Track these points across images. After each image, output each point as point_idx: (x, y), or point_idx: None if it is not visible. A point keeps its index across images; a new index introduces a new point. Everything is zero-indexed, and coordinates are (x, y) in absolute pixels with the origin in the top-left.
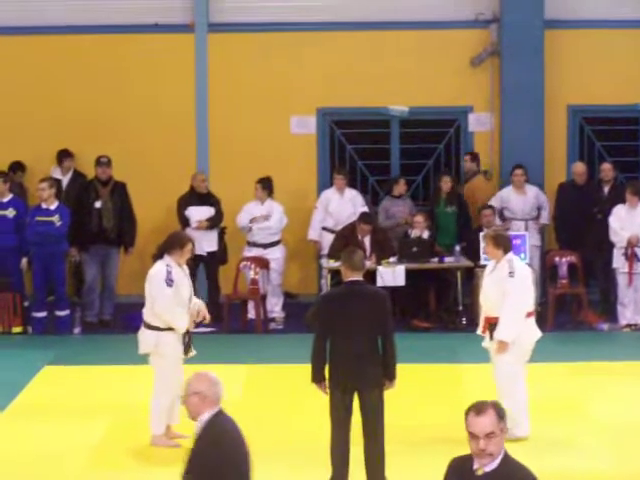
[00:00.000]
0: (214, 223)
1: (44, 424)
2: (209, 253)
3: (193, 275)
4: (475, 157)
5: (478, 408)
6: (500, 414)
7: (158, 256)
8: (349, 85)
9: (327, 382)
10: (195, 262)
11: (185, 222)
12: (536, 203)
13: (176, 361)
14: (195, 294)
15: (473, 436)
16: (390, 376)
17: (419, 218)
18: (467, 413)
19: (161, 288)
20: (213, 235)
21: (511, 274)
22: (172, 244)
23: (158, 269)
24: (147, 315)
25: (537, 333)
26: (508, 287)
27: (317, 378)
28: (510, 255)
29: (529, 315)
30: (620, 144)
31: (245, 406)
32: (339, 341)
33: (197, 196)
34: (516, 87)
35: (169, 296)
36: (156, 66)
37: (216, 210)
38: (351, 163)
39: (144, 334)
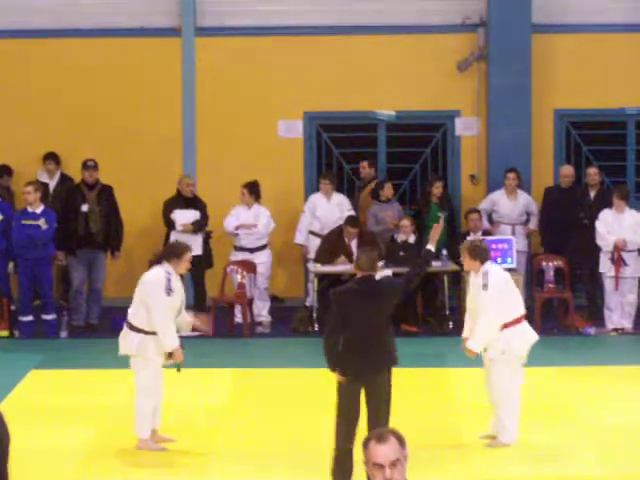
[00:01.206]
0: (199, 227)
1: (31, 428)
2: (194, 257)
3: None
4: (373, 163)
5: (379, 436)
6: (401, 440)
7: (155, 262)
8: (336, 89)
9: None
10: None
11: (170, 225)
12: (525, 209)
13: (158, 365)
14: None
15: (377, 466)
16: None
17: (405, 222)
18: (366, 443)
19: (160, 296)
20: (198, 239)
21: (484, 287)
22: (171, 253)
23: (157, 276)
24: (132, 317)
25: (531, 337)
26: (480, 301)
27: (331, 367)
28: (486, 266)
29: (518, 321)
30: (607, 148)
31: (232, 410)
32: (350, 333)
33: (183, 200)
34: (503, 91)
35: (166, 306)
36: (143, 70)
37: (201, 214)
38: (338, 167)
39: (127, 335)
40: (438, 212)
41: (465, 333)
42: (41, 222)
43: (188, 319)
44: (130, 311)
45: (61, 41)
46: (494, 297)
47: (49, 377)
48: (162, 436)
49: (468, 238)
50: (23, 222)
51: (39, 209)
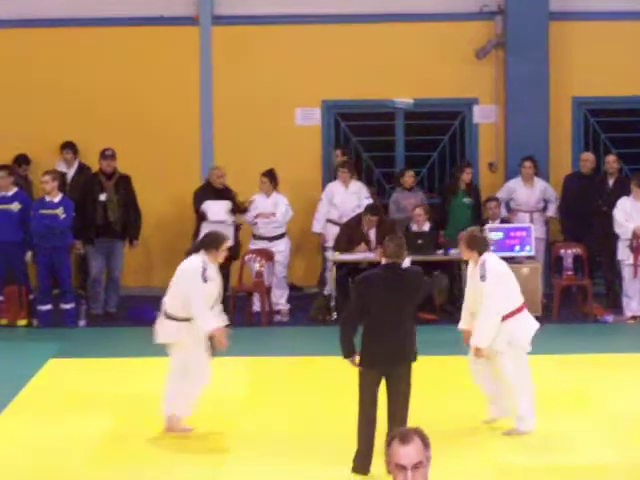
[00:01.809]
0: (239, 211)
1: (49, 417)
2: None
3: None
4: (346, 152)
5: (403, 436)
6: (425, 441)
7: (193, 251)
8: (354, 77)
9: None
10: None
11: (202, 216)
12: (542, 196)
13: (198, 351)
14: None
15: (399, 468)
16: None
17: (419, 211)
18: (390, 442)
19: (196, 282)
20: (230, 230)
21: (482, 278)
22: (209, 243)
23: (194, 263)
24: (169, 305)
25: (533, 326)
26: (479, 292)
27: (348, 353)
28: (484, 256)
29: (519, 310)
30: (626, 136)
31: (250, 399)
32: (374, 322)
33: (213, 190)
34: (521, 79)
35: (203, 292)
36: (161, 58)
37: (234, 204)
38: (356, 155)
39: (164, 324)
40: (464, 198)
41: (462, 325)
42: (59, 211)
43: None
44: (166, 300)
45: (79, 30)
46: (493, 288)
47: (67, 366)
48: (182, 425)
49: (467, 230)
50: (41, 211)
51: (57, 198)
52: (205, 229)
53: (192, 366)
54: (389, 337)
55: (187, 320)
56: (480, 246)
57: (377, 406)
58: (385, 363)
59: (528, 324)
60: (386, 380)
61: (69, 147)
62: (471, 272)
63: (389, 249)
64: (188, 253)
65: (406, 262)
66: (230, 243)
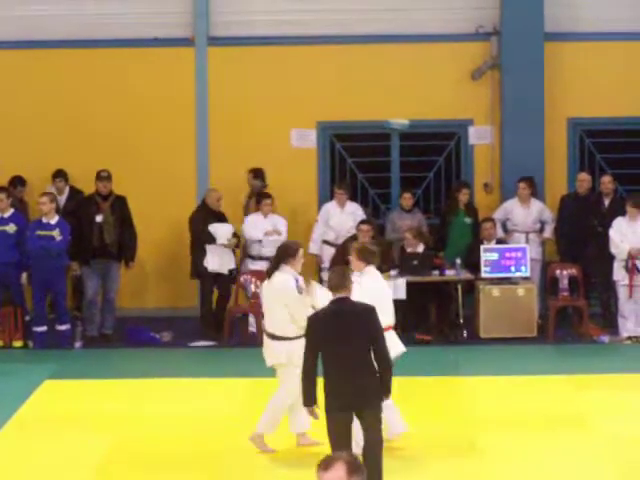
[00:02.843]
0: (239, 241)
1: (45, 438)
2: (230, 271)
3: (211, 293)
4: (258, 174)
5: (325, 463)
6: (351, 467)
7: (274, 268)
8: (349, 98)
9: (323, 404)
10: (214, 280)
11: (208, 238)
12: (539, 217)
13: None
14: None
15: None
16: (386, 389)
17: (407, 235)
18: (317, 467)
19: (296, 296)
20: (231, 253)
21: (358, 283)
22: (285, 255)
23: (285, 279)
24: (271, 327)
25: (397, 348)
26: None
27: (308, 401)
28: (368, 268)
29: (385, 329)
30: (621, 156)
31: (245, 420)
32: (334, 361)
33: (212, 213)
34: (516, 100)
35: (303, 303)
36: (156, 80)
37: (233, 227)
38: (351, 176)
39: (271, 345)
40: (465, 218)
41: None
42: (55, 233)
43: None
44: (266, 323)
45: (75, 52)
46: (364, 296)
47: (63, 387)
48: (309, 438)
49: (359, 242)
50: (37, 233)
51: (54, 220)
52: (211, 251)
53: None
54: (349, 373)
55: (296, 338)
56: (368, 258)
57: (350, 447)
58: (349, 403)
59: (391, 345)
60: (357, 416)
61: (61, 175)
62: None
63: (332, 282)
64: (269, 273)
65: (401, 283)
66: (232, 266)
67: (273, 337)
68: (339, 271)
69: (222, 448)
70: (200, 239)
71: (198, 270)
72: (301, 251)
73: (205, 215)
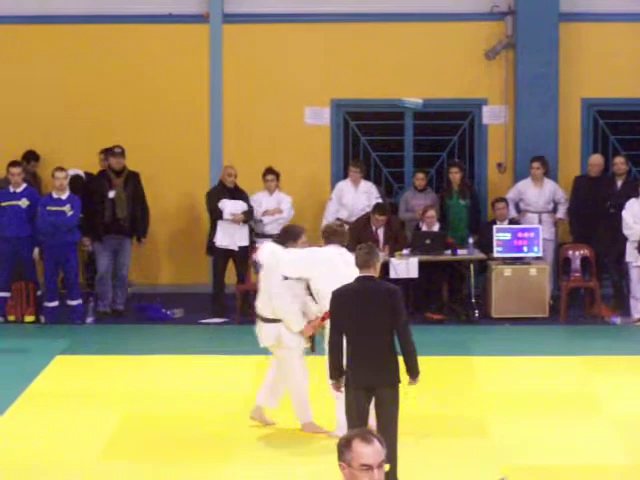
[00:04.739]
0: (249, 217)
1: (56, 413)
2: (240, 248)
3: (224, 270)
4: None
5: (364, 436)
6: (382, 442)
7: None
8: (363, 77)
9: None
10: (226, 257)
11: (217, 214)
12: (552, 197)
13: (301, 351)
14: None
15: (364, 467)
16: (411, 372)
17: (431, 213)
18: (348, 443)
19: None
20: (245, 230)
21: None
22: (287, 237)
23: (272, 250)
24: (263, 309)
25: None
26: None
27: (332, 375)
28: (326, 247)
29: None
30: (634, 137)
31: (255, 398)
32: (353, 338)
33: (227, 190)
34: (531, 80)
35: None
36: (170, 56)
37: (248, 204)
38: (365, 154)
39: (263, 328)
40: (459, 199)
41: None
42: (66, 208)
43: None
44: (258, 305)
45: (89, 27)
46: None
47: (75, 363)
48: (264, 417)
49: (327, 223)
50: (48, 208)
51: (65, 195)
52: (220, 227)
53: (299, 364)
54: (367, 352)
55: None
56: (329, 237)
57: (366, 426)
58: (366, 379)
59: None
60: (374, 396)
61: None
62: None
63: (359, 259)
64: None
65: (413, 262)
66: (245, 243)
67: (263, 319)
68: (366, 249)
69: (233, 425)
70: (212, 215)
71: (210, 246)
72: (304, 236)
73: (219, 191)
